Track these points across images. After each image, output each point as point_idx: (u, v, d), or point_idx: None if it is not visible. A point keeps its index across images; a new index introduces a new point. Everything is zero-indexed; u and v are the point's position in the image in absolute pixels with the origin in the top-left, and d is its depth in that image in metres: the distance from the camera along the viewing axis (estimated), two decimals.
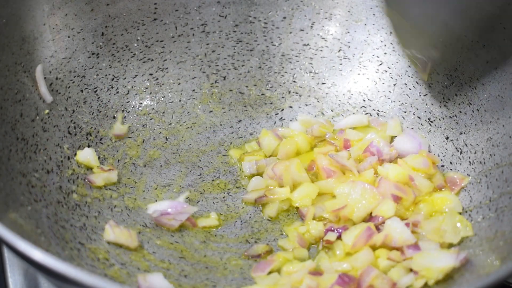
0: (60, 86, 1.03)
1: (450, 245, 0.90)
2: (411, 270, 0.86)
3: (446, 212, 0.93)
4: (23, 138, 0.95)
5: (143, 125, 1.08)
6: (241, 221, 0.99)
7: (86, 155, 1.01)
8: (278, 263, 0.91)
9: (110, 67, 1.09)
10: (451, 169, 1.00)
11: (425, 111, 1.07)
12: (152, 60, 1.12)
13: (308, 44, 1.15)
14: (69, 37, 1.05)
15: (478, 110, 1.00)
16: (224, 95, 1.13)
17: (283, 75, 1.15)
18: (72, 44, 1.05)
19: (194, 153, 1.07)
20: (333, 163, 1.00)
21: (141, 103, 1.10)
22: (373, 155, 1.00)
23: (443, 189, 0.97)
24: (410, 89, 1.09)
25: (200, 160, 1.06)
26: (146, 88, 1.10)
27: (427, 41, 1.02)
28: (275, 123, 1.11)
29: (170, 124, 1.09)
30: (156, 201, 0.99)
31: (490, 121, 0.98)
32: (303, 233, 0.95)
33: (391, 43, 1.11)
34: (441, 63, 1.05)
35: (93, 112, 1.06)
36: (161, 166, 1.04)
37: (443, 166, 1.02)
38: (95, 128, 1.05)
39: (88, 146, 1.03)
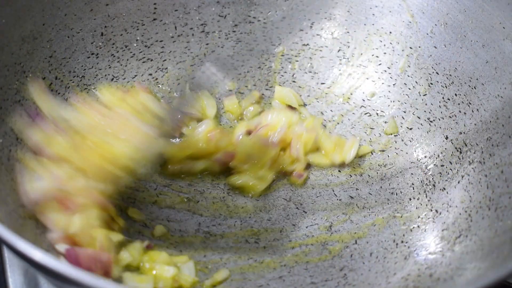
0: (60, 87, 1.03)
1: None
2: None
3: None
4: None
5: None
6: (241, 221, 0.99)
7: None
8: None
9: (110, 67, 1.09)
10: (450, 169, 1.00)
11: (424, 111, 1.07)
12: (151, 60, 1.12)
13: (307, 44, 1.15)
14: (68, 37, 1.05)
15: (477, 110, 1.00)
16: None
17: (282, 75, 1.15)
18: (71, 44, 1.05)
19: None
20: None
21: None
22: None
23: None
24: (409, 89, 1.09)
25: None
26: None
27: None
28: None
29: None
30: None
31: (490, 121, 0.98)
32: None
33: (390, 43, 1.11)
34: (441, 63, 1.05)
35: None
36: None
37: (442, 166, 1.02)
38: None
39: None
